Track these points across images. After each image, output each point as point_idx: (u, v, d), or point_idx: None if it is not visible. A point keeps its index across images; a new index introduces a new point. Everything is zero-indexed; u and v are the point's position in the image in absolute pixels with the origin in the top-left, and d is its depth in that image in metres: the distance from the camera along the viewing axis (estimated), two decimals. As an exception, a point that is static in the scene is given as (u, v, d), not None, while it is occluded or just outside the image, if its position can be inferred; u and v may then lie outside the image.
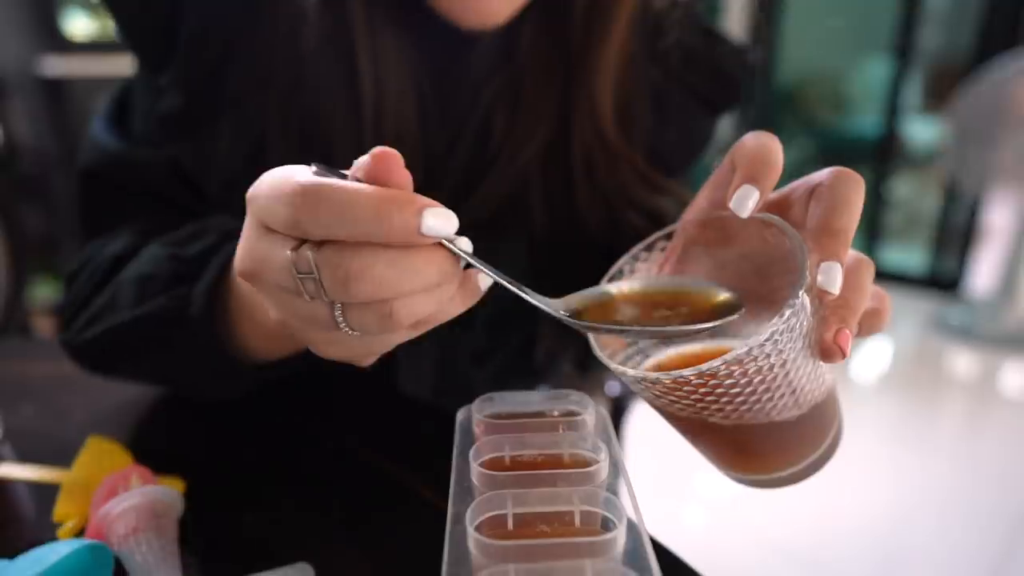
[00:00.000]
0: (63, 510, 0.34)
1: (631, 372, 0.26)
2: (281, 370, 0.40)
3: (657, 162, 0.48)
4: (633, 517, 0.24)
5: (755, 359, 0.24)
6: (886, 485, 1.47)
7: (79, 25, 1.55)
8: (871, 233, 2.72)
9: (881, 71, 2.66)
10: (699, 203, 0.31)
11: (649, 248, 0.32)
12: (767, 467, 0.30)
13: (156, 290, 0.37)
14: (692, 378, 0.24)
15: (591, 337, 0.29)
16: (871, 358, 2.13)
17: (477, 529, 0.22)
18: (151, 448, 0.38)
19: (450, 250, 0.23)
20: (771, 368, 0.25)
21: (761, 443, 0.28)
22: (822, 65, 3.26)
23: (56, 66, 1.59)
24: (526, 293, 0.25)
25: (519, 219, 0.46)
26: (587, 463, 0.26)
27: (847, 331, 0.25)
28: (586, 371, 0.55)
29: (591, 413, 0.30)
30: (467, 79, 0.44)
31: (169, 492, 0.33)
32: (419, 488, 0.36)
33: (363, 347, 0.26)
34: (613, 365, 0.27)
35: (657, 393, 0.27)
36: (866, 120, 2.95)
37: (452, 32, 0.40)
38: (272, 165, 0.23)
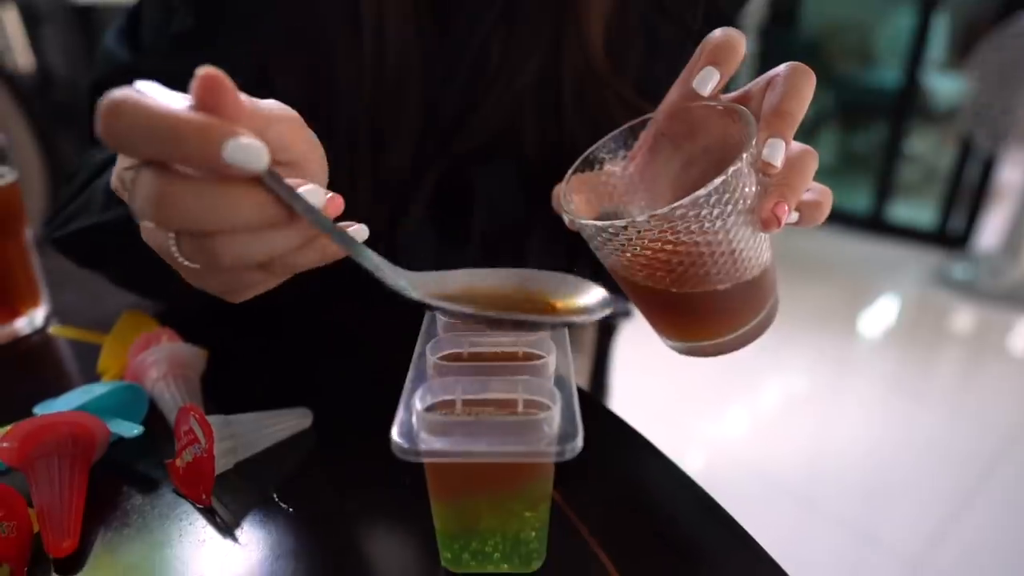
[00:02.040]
0: (105, 364, 0.41)
1: (598, 224, 0.29)
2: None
3: (646, 93, 0.49)
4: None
5: (700, 209, 0.27)
6: (878, 428, 1.53)
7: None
8: (883, 187, 2.70)
9: (907, 23, 2.57)
10: (671, 97, 0.33)
11: (623, 137, 0.35)
12: (708, 333, 0.33)
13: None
14: (650, 221, 0.27)
15: (563, 200, 0.32)
16: (875, 311, 2.16)
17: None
18: (178, 322, 0.45)
19: (271, 190, 0.22)
20: (714, 226, 0.28)
21: (703, 309, 0.32)
22: (848, 16, 3.15)
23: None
24: (375, 267, 0.25)
25: (512, 143, 0.48)
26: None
27: (784, 204, 0.28)
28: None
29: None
30: (464, 8, 0.46)
31: (193, 348, 0.40)
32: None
33: (218, 283, 0.25)
34: (580, 220, 0.30)
35: (616, 247, 0.30)
36: (888, 73, 2.87)
37: None
38: (277, 90, 0.25)
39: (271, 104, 0.24)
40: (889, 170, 2.66)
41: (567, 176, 0.34)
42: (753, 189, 0.29)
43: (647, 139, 0.34)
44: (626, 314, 0.72)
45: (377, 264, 0.25)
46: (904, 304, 2.23)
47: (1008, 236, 2.16)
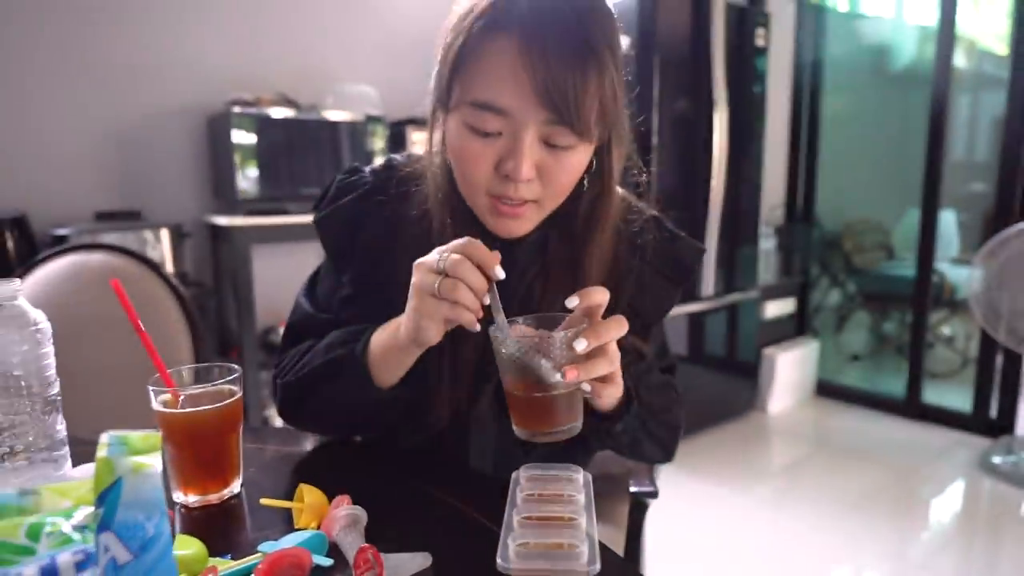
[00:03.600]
0: (304, 521, 0.61)
1: (490, 328, 0.57)
2: (395, 396, 0.69)
3: (636, 317, 0.72)
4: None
5: (543, 341, 0.54)
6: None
7: (246, 184, 2.04)
8: (914, 371, 2.79)
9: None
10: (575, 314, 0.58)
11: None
12: (543, 426, 0.57)
13: (336, 348, 0.69)
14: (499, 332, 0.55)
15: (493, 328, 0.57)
16: (923, 496, 2.16)
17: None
18: (350, 490, 0.65)
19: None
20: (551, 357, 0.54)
21: (542, 410, 0.56)
22: (863, 215, 3.51)
23: (221, 217, 2.10)
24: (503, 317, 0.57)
25: None
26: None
27: (574, 372, 0.53)
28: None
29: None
30: (517, 265, 0.72)
31: (361, 510, 0.61)
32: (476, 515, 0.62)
33: (432, 320, 0.58)
34: (491, 327, 0.56)
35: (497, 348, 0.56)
36: (907, 265, 3.12)
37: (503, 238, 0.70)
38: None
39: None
40: (917, 356, 2.78)
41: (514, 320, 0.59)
42: (568, 352, 0.54)
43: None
44: (654, 494, 0.89)
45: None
46: (952, 490, 2.23)
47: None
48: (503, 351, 0.56)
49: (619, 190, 0.76)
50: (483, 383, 0.72)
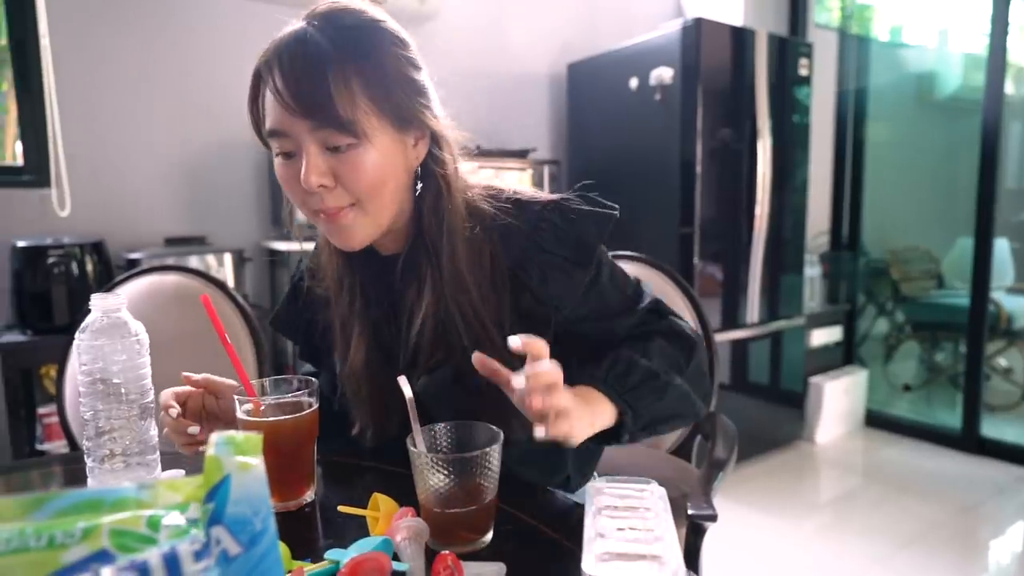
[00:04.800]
0: (379, 529, 0.64)
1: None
2: None
3: (547, 307, 0.74)
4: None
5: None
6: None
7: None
8: (970, 403, 2.69)
9: (970, 247, 2.80)
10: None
11: None
12: (463, 541, 0.60)
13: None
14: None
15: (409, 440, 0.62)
16: (987, 533, 2.07)
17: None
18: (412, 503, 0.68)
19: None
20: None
21: (457, 523, 0.60)
22: (910, 242, 3.43)
23: (279, 243, 2.19)
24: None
25: (442, 357, 0.75)
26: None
27: (536, 398, 0.58)
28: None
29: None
30: (393, 283, 0.79)
31: (423, 523, 0.63)
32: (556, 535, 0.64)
33: None
34: (414, 449, 0.61)
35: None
36: (959, 294, 3.03)
37: (380, 257, 0.79)
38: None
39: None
40: (974, 387, 2.68)
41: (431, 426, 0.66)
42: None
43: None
44: (713, 518, 0.89)
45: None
46: (1014, 530, 2.12)
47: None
48: (424, 470, 0.60)
49: (493, 185, 0.80)
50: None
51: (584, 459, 0.88)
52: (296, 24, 0.69)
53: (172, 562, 0.43)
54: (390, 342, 0.80)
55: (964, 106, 3.14)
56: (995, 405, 2.93)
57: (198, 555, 0.44)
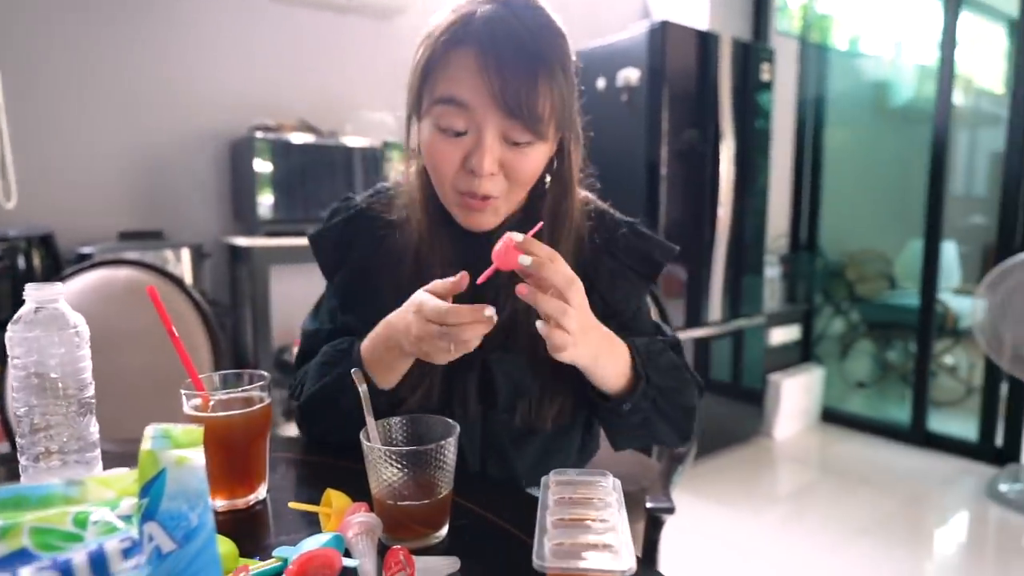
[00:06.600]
0: (331, 526, 0.63)
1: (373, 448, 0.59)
2: (401, 398, 0.74)
3: (611, 308, 0.78)
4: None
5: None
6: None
7: (265, 206, 2.09)
8: (919, 399, 2.79)
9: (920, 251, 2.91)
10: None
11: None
12: (417, 535, 0.60)
13: (332, 365, 0.76)
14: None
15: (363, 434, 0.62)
16: (932, 523, 2.15)
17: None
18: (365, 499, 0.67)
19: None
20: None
21: (411, 518, 0.59)
22: (866, 245, 3.55)
23: (241, 238, 2.14)
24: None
25: (520, 343, 0.76)
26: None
27: (523, 289, 0.61)
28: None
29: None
30: (485, 263, 0.77)
31: (376, 518, 0.62)
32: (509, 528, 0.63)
33: (435, 348, 0.64)
34: (368, 443, 0.60)
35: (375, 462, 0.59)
36: (909, 295, 3.15)
37: (472, 235, 0.76)
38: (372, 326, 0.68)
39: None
40: (922, 384, 2.78)
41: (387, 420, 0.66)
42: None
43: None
44: (670, 510, 0.90)
45: None
46: (959, 518, 2.21)
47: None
48: (377, 462, 0.60)
49: (587, 195, 0.84)
50: (466, 373, 0.77)
51: (584, 460, 0.89)
52: (496, 5, 0.68)
53: (98, 560, 0.41)
54: None
55: (916, 116, 3.26)
56: (941, 401, 3.05)
57: (127, 552, 0.43)
